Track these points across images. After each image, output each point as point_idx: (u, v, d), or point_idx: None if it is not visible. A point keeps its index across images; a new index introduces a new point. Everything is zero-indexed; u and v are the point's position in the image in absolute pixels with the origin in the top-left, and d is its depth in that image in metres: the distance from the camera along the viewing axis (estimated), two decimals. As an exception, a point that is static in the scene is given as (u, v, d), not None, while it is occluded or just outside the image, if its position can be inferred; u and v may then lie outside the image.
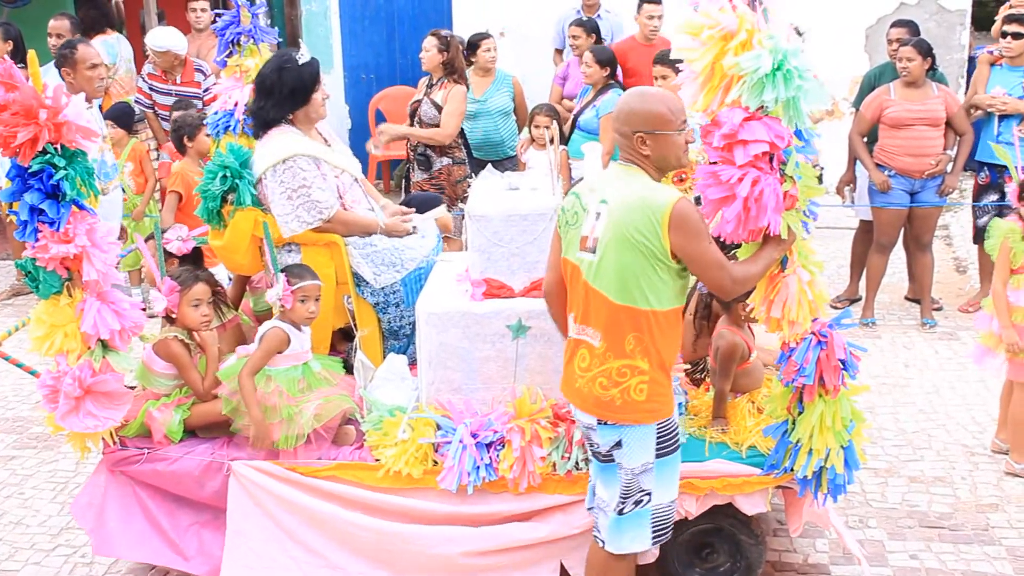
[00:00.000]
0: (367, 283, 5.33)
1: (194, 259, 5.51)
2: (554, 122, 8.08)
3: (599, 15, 10.26)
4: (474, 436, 4.67)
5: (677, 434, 4.21)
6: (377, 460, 4.76)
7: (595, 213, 4.07)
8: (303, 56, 5.37)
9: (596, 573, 4.36)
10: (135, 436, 4.93)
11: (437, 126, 8.10)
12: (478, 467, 4.63)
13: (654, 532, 4.23)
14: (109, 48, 9.65)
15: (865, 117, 8.08)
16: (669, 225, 3.91)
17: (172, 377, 4.99)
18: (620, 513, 4.17)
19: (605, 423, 4.09)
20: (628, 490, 4.14)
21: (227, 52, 6.13)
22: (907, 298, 8.65)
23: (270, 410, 4.75)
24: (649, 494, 4.16)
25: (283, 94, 5.30)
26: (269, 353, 4.85)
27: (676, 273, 4.03)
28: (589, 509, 4.45)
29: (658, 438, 4.11)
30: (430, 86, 8.28)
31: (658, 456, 4.13)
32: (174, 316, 5.01)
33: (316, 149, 5.34)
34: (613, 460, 4.16)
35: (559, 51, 10.58)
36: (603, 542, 4.26)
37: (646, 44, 9.11)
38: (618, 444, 4.10)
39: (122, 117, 8.69)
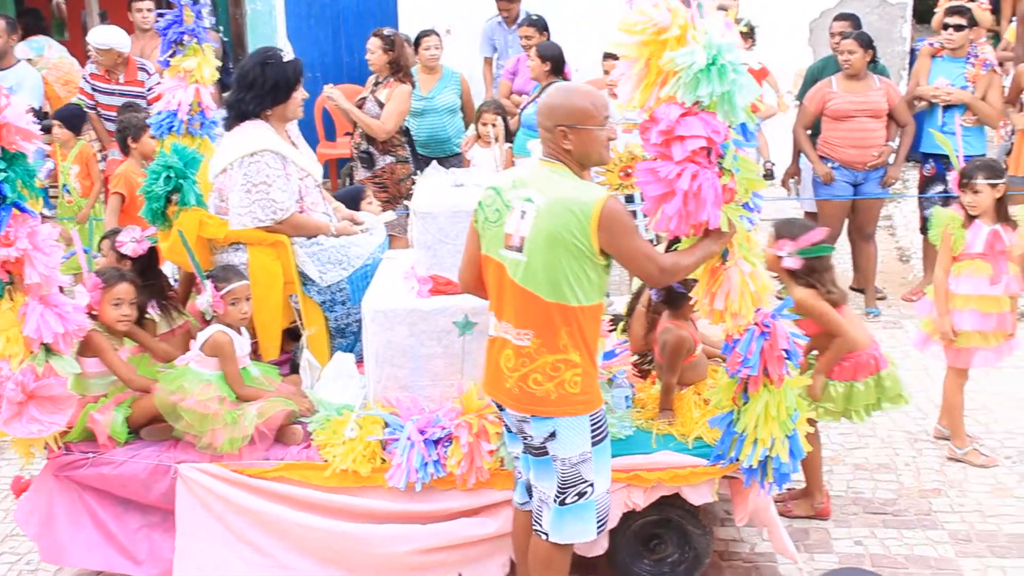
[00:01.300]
0: (313, 282, 5.34)
1: (149, 260, 5.47)
2: (500, 119, 8.09)
3: (518, 23, 10.27)
4: (422, 433, 4.68)
5: (605, 422, 4.26)
6: (325, 459, 4.76)
7: (520, 211, 4.07)
8: (286, 54, 5.41)
9: (541, 566, 4.37)
10: (79, 441, 4.90)
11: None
12: (426, 464, 4.64)
13: (599, 522, 4.28)
14: (32, 45, 9.82)
15: (808, 110, 8.17)
16: (598, 225, 3.95)
17: (102, 375, 4.97)
18: (562, 504, 4.20)
19: (538, 416, 4.12)
20: (567, 480, 4.18)
21: (170, 52, 6.10)
22: (852, 288, 8.73)
23: (211, 417, 4.74)
24: (592, 485, 4.20)
25: (264, 88, 5.33)
26: (233, 358, 4.87)
27: (603, 269, 4.09)
28: (522, 504, 4.48)
29: (592, 427, 4.16)
30: (376, 84, 8.27)
31: (594, 444, 4.18)
32: (95, 313, 4.98)
33: (285, 148, 5.37)
34: (547, 453, 4.19)
35: (488, 60, 10.56)
36: (546, 534, 4.27)
37: None
38: (552, 435, 4.13)
39: (71, 118, 8.62)
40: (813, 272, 5.18)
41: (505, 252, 4.10)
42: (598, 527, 4.29)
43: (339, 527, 4.76)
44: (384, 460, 4.74)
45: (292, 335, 5.53)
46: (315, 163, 5.65)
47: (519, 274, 4.06)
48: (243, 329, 5.05)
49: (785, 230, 5.20)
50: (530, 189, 4.09)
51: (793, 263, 5.14)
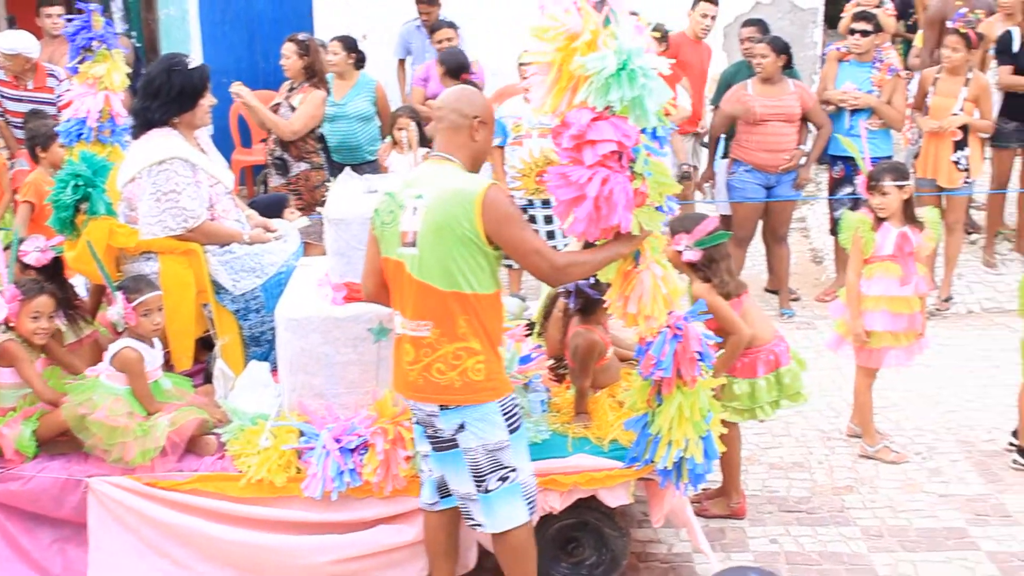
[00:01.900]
0: (226, 290, 5.30)
1: (54, 270, 5.37)
2: (414, 124, 8.06)
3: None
4: (337, 441, 4.66)
5: (517, 408, 4.33)
6: (239, 470, 4.71)
7: (412, 208, 4.17)
8: (192, 61, 5.35)
9: (510, 558, 4.42)
10: (-14, 456, 4.80)
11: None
12: (342, 472, 4.62)
13: (528, 504, 4.36)
14: None
15: (725, 112, 8.24)
16: (481, 211, 4.06)
17: (15, 387, 4.87)
18: (486, 492, 4.27)
19: (447, 407, 4.19)
20: (484, 468, 4.24)
21: (79, 58, 6.00)
22: (766, 289, 8.85)
23: (121, 430, 4.67)
24: (515, 470, 4.29)
25: (170, 96, 5.29)
26: (141, 375, 4.80)
27: (494, 259, 4.18)
28: (431, 504, 4.52)
29: (504, 416, 4.23)
30: (291, 90, 8.22)
31: (511, 432, 4.26)
32: (12, 325, 4.89)
33: (195, 155, 5.31)
34: (456, 445, 4.25)
35: (402, 61, 10.51)
36: (482, 525, 4.36)
37: (695, 41, 9.16)
38: (461, 427, 4.21)
39: (-22, 128, 8.47)
40: (712, 262, 5.23)
41: (402, 250, 4.19)
42: (529, 509, 4.36)
43: (256, 538, 4.72)
44: (300, 469, 4.70)
45: (206, 344, 5.47)
46: (226, 170, 5.61)
47: (416, 268, 4.15)
48: (155, 339, 4.98)
49: (679, 225, 5.25)
50: (420, 186, 4.21)
51: (693, 256, 5.20)
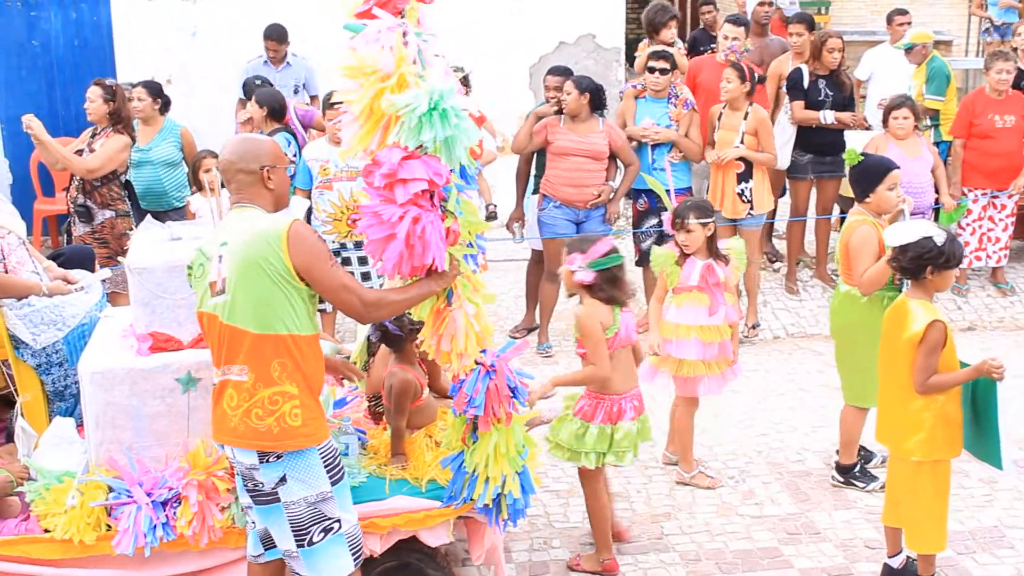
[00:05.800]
0: (26, 344, 5.10)
1: None
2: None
3: (288, 62, 10.21)
4: (149, 495, 4.52)
5: (339, 456, 4.29)
6: (46, 530, 4.52)
7: (218, 257, 4.13)
8: None
9: None
10: None
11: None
12: (155, 526, 4.48)
13: (353, 553, 4.30)
14: None
15: (535, 139, 8.28)
16: (288, 244, 4.04)
17: None
18: (310, 544, 4.20)
19: (267, 461, 4.11)
20: (306, 521, 4.17)
21: None
22: (584, 324, 8.95)
23: None
24: (339, 521, 4.23)
25: None
26: None
27: (308, 297, 4.14)
28: (256, 557, 4.44)
29: (325, 465, 4.18)
30: (93, 135, 8.01)
31: (333, 484, 4.20)
32: None
33: None
34: (278, 499, 4.17)
35: (243, 100, 10.32)
36: None
37: (721, 63, 9.05)
38: (283, 480, 4.14)
39: None
40: (606, 284, 5.32)
41: (212, 300, 4.15)
42: (354, 559, 4.30)
43: None
44: (110, 527, 4.54)
45: (6, 402, 5.25)
46: (17, 219, 5.43)
47: (226, 314, 4.10)
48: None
49: (575, 246, 5.36)
50: (225, 235, 4.18)
51: (585, 276, 5.26)
